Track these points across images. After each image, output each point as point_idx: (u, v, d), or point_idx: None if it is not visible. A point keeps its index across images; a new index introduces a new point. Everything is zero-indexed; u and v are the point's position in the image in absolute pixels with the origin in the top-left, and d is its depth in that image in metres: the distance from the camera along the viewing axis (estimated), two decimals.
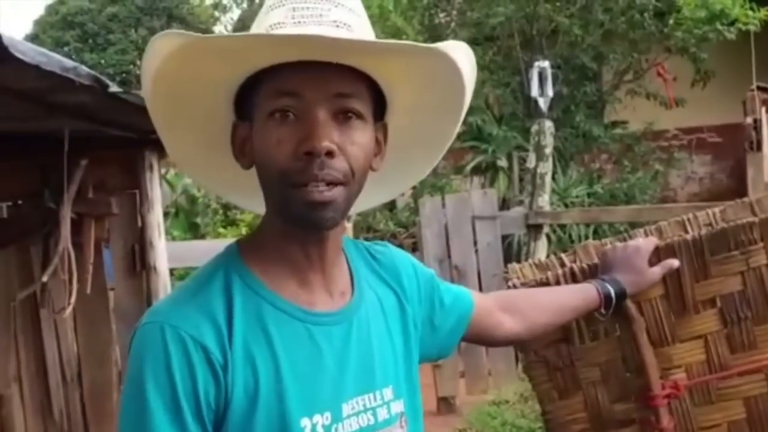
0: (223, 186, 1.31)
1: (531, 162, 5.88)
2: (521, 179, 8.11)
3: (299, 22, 1.05)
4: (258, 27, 1.10)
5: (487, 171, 8.71)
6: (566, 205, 7.54)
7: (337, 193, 1.06)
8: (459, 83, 1.17)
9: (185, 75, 1.08)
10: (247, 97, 1.11)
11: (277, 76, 1.06)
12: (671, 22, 8.11)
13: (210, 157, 1.21)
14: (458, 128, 1.27)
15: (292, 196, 1.06)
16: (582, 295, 1.51)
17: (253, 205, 1.27)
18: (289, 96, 1.06)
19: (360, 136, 1.09)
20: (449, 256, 5.46)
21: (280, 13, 1.07)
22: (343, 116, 1.07)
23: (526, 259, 3.22)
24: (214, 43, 1.08)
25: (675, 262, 1.57)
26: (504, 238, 5.88)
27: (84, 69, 2.04)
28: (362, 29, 1.10)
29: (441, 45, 1.11)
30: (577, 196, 7.85)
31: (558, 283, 1.59)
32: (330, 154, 1.04)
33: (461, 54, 1.15)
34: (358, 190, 1.11)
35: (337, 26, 1.06)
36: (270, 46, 1.05)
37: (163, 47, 1.04)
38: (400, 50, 1.10)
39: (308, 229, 1.10)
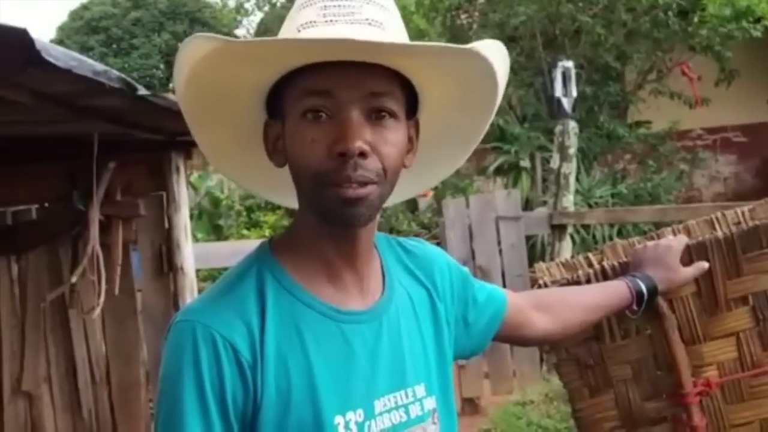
0: (260, 183, 1.31)
1: (555, 162, 5.86)
2: (544, 180, 8.08)
3: (330, 20, 1.05)
4: (290, 25, 1.10)
5: (510, 172, 8.68)
6: (590, 206, 7.50)
7: (371, 190, 1.06)
8: (492, 81, 1.17)
9: (217, 77, 1.09)
10: (279, 96, 1.12)
11: (309, 76, 1.06)
12: (695, 20, 8.04)
13: (245, 156, 1.22)
14: (488, 125, 1.27)
15: (326, 194, 1.06)
16: (613, 292, 1.51)
17: (291, 201, 1.27)
18: (322, 96, 1.06)
19: (393, 135, 1.08)
20: (473, 257, 5.45)
21: (311, 12, 1.07)
22: (376, 115, 1.07)
23: (551, 260, 3.21)
24: (244, 48, 1.08)
25: (705, 264, 1.57)
26: (527, 238, 5.87)
27: (114, 72, 2.06)
28: (394, 26, 1.09)
29: (475, 45, 1.11)
30: (600, 197, 7.80)
31: (589, 281, 1.59)
32: (363, 154, 1.04)
33: (494, 52, 1.14)
34: (390, 189, 1.12)
35: (369, 24, 1.05)
36: (301, 48, 1.05)
37: (195, 50, 1.05)
38: (435, 52, 1.10)
39: (341, 227, 1.10)
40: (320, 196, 1.07)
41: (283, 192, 1.25)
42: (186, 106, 1.14)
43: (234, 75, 1.09)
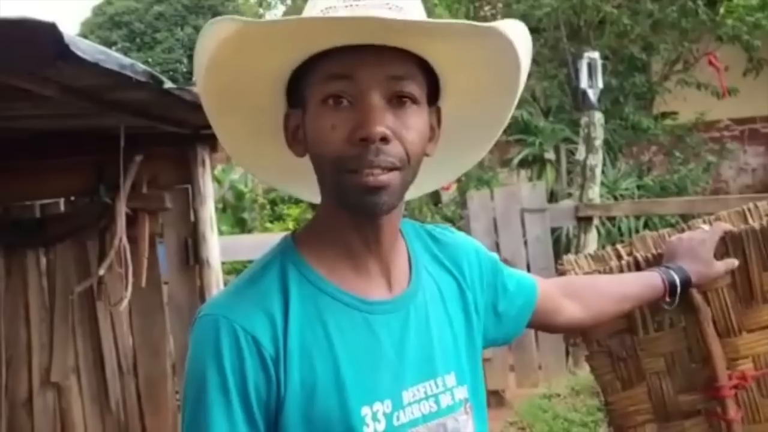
0: (278, 175, 1.30)
1: (580, 154, 5.81)
2: (569, 172, 8.02)
3: (350, 5, 1.04)
4: (310, 10, 1.08)
5: (534, 164, 8.63)
6: (615, 198, 7.44)
7: (393, 177, 1.05)
8: (515, 63, 1.14)
9: (238, 63, 1.07)
10: (299, 85, 1.10)
11: (328, 61, 1.05)
12: (722, 10, 7.93)
13: (263, 147, 1.21)
14: (512, 110, 1.24)
15: (347, 181, 1.05)
16: (645, 282, 1.48)
17: (307, 194, 1.27)
18: (342, 80, 1.04)
19: (415, 121, 1.07)
20: (498, 250, 5.42)
21: None
22: (398, 100, 1.05)
23: (576, 252, 3.18)
24: (265, 29, 1.06)
25: (736, 261, 1.54)
26: (552, 231, 5.83)
27: (140, 66, 2.07)
28: (414, 10, 1.08)
29: (497, 24, 1.08)
30: (626, 189, 7.73)
31: (621, 272, 1.56)
32: (385, 139, 1.03)
33: (517, 32, 1.12)
34: (413, 176, 1.10)
35: (389, 8, 1.04)
36: (323, 29, 1.04)
37: (217, 33, 1.03)
38: (456, 31, 1.07)
39: (363, 215, 1.09)
40: (341, 184, 1.06)
41: (301, 184, 1.24)
42: (205, 93, 1.12)
43: (255, 60, 1.07)
